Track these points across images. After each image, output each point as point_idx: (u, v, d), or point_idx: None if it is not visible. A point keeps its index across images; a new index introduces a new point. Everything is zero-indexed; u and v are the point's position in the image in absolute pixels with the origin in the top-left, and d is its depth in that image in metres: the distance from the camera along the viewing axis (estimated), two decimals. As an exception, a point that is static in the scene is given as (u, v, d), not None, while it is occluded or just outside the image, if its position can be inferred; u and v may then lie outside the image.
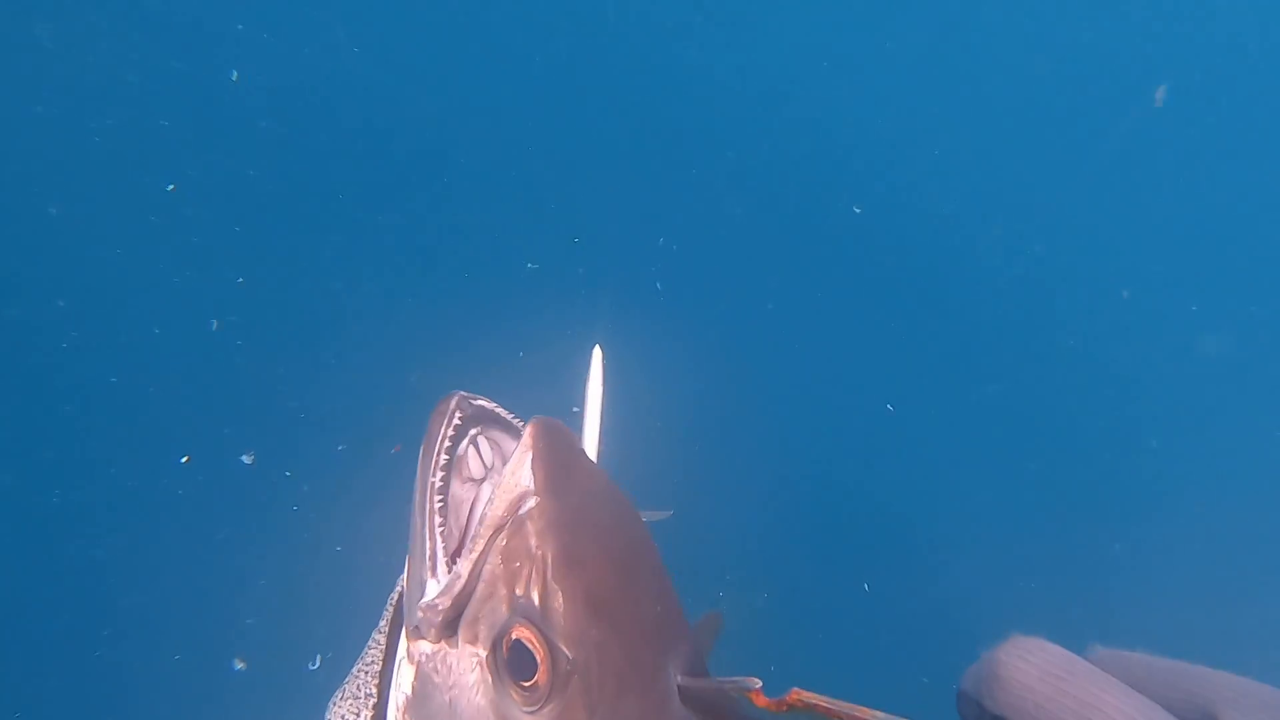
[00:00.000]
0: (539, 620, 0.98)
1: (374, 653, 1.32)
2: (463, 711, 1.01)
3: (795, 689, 0.90)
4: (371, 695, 1.22)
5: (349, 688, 1.29)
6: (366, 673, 1.29)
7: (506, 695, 0.99)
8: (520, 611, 0.99)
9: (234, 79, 3.17)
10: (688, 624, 1.14)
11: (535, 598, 0.99)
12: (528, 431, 1.05)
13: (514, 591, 1.00)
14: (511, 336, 2.97)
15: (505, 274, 3.20)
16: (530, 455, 1.04)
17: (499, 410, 1.13)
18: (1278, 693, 0.58)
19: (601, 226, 3.23)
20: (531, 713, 0.98)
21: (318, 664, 2.56)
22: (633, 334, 2.72)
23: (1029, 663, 0.61)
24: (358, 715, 1.21)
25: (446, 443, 1.06)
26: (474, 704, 1.01)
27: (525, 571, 1.00)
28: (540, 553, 1.00)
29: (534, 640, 0.97)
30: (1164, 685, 0.60)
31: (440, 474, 1.06)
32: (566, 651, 0.97)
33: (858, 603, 3.07)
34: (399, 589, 1.38)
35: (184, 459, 3.02)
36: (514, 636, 0.98)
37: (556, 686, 0.97)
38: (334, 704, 1.29)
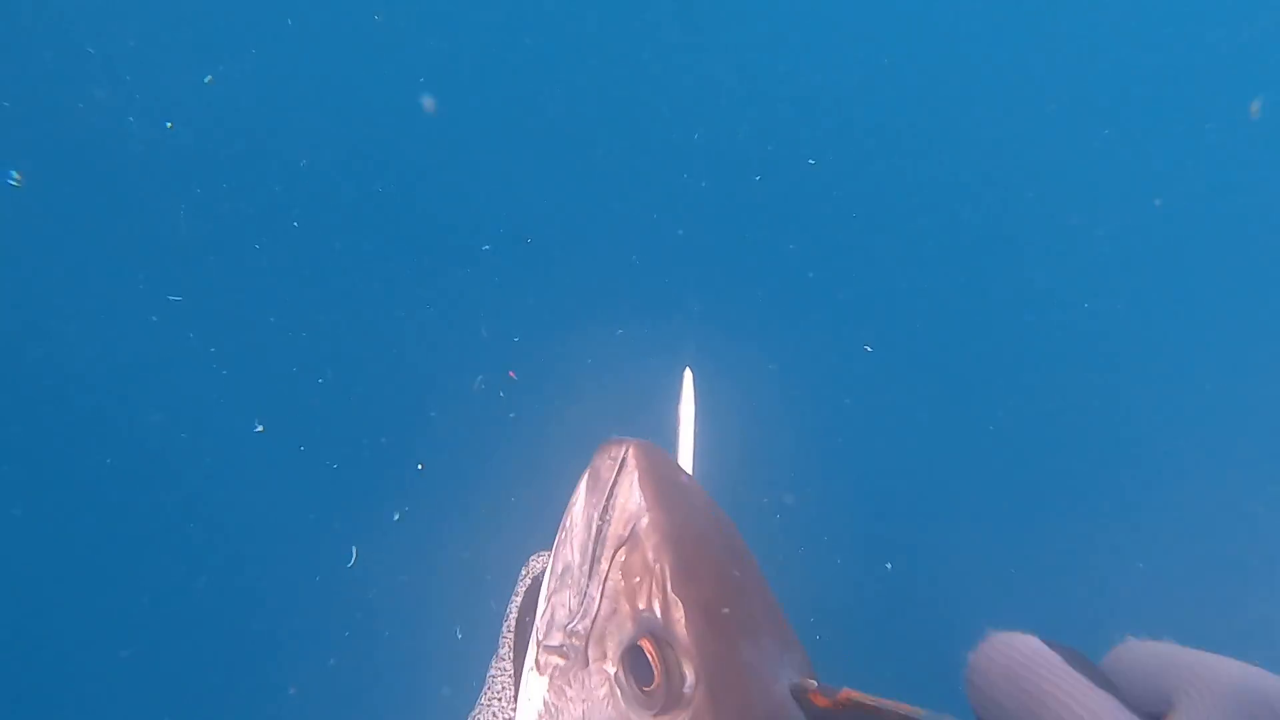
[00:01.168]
0: (661, 632, 1.03)
1: (502, 679, 1.38)
2: None
3: (845, 689, 0.92)
4: (511, 718, 1.28)
5: (482, 716, 1.35)
6: (501, 699, 1.34)
7: (635, 706, 1.04)
8: (645, 625, 1.04)
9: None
10: (789, 623, 1.18)
11: (657, 610, 1.04)
12: (630, 453, 1.13)
13: (637, 606, 1.06)
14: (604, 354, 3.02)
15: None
16: (637, 474, 1.11)
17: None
18: (1249, 671, 0.56)
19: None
20: (655, 717, 1.02)
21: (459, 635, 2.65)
22: (721, 353, 2.75)
23: (993, 661, 0.61)
24: None
25: (612, 486, 1.12)
26: (605, 715, 1.06)
27: (646, 586, 1.06)
28: (658, 566, 1.06)
29: (651, 650, 1.03)
30: (1144, 676, 0.59)
31: (606, 516, 1.12)
32: (689, 661, 1.02)
33: (883, 588, 3.03)
34: (512, 614, 1.43)
35: (259, 428, 3.11)
36: (638, 649, 1.04)
37: (674, 693, 1.02)
38: None
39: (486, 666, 1.42)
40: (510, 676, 1.38)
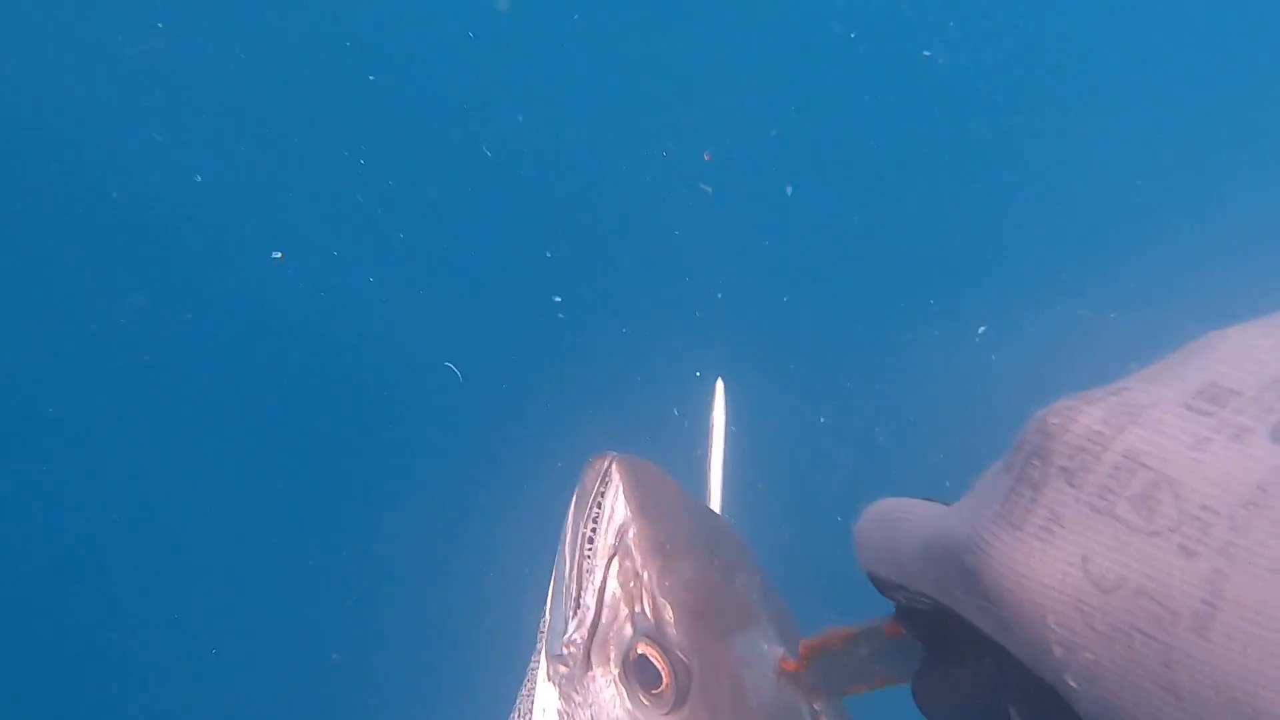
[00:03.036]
0: (655, 633, 1.13)
1: (537, 674, 1.48)
2: None
3: (802, 640, 0.95)
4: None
5: (521, 706, 1.45)
6: (533, 694, 1.45)
7: (639, 704, 1.14)
8: (641, 629, 1.15)
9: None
10: (789, 612, 1.26)
11: (649, 613, 1.15)
12: (614, 469, 1.24)
13: (633, 610, 1.16)
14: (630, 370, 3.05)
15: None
16: (621, 488, 1.22)
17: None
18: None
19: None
20: (665, 716, 1.12)
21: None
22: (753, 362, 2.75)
23: (869, 512, 0.67)
24: None
25: (600, 499, 1.23)
26: (613, 716, 1.15)
27: (638, 591, 1.16)
28: (646, 572, 1.16)
29: (655, 654, 1.12)
30: None
31: (592, 526, 1.22)
32: (683, 658, 1.11)
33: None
34: (547, 619, 1.54)
35: (277, 255, 3.18)
36: (639, 651, 1.13)
37: (679, 691, 1.11)
38: None
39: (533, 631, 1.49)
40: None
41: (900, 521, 0.62)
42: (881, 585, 0.66)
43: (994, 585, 0.48)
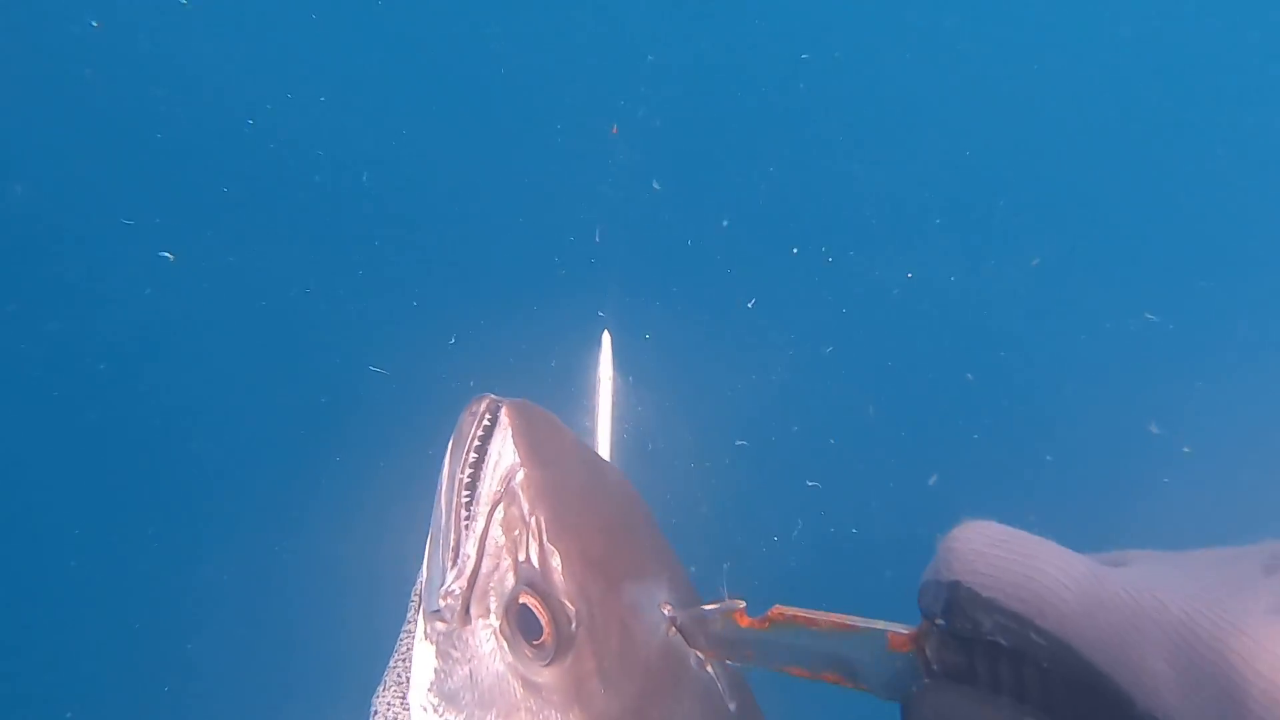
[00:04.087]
0: (540, 582, 1.05)
1: (408, 642, 1.37)
2: (483, 679, 1.08)
3: (777, 605, 0.92)
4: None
5: (389, 678, 1.34)
6: (406, 660, 1.33)
7: (522, 656, 1.06)
8: (524, 577, 1.06)
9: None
10: (681, 565, 1.21)
11: (535, 561, 1.06)
12: (504, 413, 1.14)
13: (516, 559, 1.07)
14: (524, 329, 2.99)
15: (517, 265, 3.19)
16: (510, 432, 1.12)
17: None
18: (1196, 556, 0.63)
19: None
20: (545, 666, 1.05)
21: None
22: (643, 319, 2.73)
23: (977, 532, 0.67)
24: (403, 699, 1.26)
25: (476, 442, 1.13)
26: (493, 670, 1.07)
27: (523, 538, 1.08)
28: (534, 518, 1.08)
29: (537, 604, 1.05)
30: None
31: (469, 470, 1.12)
32: (569, 606, 1.04)
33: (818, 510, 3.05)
34: (421, 579, 1.43)
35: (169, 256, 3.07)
36: (520, 602, 1.06)
37: (563, 642, 1.04)
38: (378, 695, 1.34)
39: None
40: (413, 639, 1.36)
41: (1044, 556, 0.63)
42: (967, 606, 0.66)
43: (1264, 672, 0.50)
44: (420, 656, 1.13)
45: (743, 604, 0.99)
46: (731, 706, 1.14)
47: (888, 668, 0.80)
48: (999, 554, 0.64)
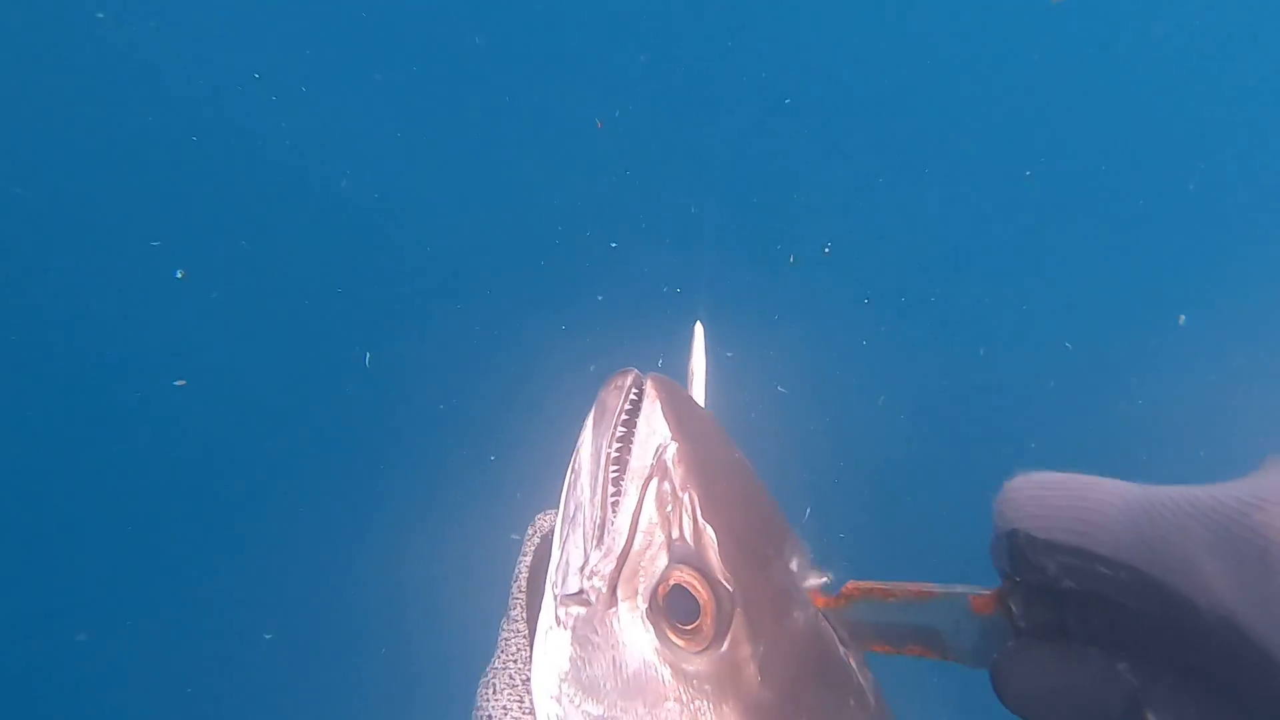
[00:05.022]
0: (695, 561, 0.99)
1: (516, 640, 1.30)
2: (628, 666, 1.00)
3: (850, 581, 0.91)
4: (529, 679, 1.20)
5: (497, 681, 1.27)
6: (516, 660, 1.26)
7: (671, 643, 0.99)
8: (679, 555, 1.00)
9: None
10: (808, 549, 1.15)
11: (690, 539, 1.01)
12: (649, 386, 1.09)
13: (670, 536, 1.01)
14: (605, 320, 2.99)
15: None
16: (659, 404, 1.07)
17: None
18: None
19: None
20: (699, 653, 0.98)
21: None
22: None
23: (1028, 480, 0.68)
24: (521, 701, 1.19)
25: (624, 416, 1.07)
26: (639, 657, 1.00)
27: (676, 514, 1.02)
28: (687, 493, 1.02)
29: (695, 582, 0.98)
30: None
31: (617, 445, 1.06)
32: (726, 586, 0.98)
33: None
34: (521, 574, 1.36)
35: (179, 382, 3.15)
36: (672, 582, 0.99)
37: (720, 625, 0.98)
38: (488, 698, 1.27)
39: (495, 629, 1.34)
40: (524, 637, 1.29)
41: (1091, 489, 0.63)
42: (1028, 551, 0.65)
43: None
44: (553, 644, 1.06)
45: (824, 580, 0.97)
46: (870, 699, 1.06)
47: (973, 632, 0.77)
48: (1049, 495, 0.65)
